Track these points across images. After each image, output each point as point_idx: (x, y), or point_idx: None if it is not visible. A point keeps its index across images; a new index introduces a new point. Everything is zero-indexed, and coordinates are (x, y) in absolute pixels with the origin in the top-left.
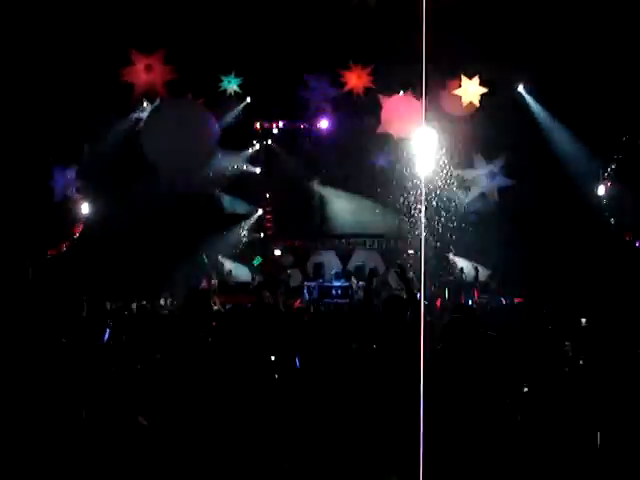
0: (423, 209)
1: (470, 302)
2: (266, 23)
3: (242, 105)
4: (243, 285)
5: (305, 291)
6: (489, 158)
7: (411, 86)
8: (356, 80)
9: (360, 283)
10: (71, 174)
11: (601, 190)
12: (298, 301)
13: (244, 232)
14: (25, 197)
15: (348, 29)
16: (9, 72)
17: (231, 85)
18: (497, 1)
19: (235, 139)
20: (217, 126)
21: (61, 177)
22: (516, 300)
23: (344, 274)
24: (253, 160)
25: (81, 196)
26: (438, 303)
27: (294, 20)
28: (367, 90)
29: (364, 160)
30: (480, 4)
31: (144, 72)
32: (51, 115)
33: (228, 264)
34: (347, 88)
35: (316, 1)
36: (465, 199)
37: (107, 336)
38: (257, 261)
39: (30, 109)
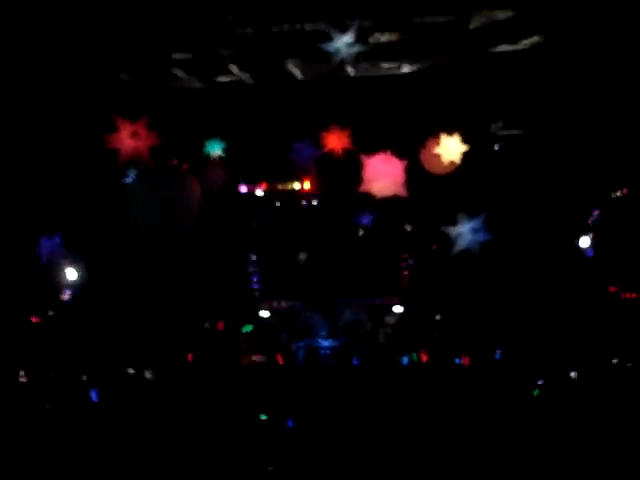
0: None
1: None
2: (248, 88)
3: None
4: None
5: (297, 352)
6: (471, 215)
7: (391, 146)
8: (336, 141)
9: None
10: (57, 241)
11: (584, 242)
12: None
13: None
14: (11, 263)
15: (328, 92)
16: None
17: (215, 150)
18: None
19: (220, 203)
20: (199, 190)
21: (47, 244)
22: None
23: (333, 333)
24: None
25: (67, 262)
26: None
27: (275, 86)
28: (348, 152)
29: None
30: (460, 65)
31: (129, 138)
32: (37, 182)
33: None
34: (327, 149)
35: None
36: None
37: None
38: (247, 329)
39: (16, 176)
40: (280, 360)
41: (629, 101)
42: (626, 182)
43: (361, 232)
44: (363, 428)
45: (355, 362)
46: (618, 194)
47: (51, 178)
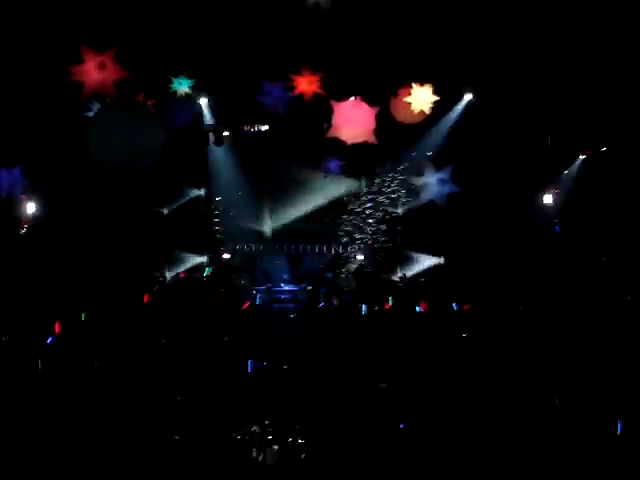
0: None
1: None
2: (220, 25)
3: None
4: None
5: (257, 295)
6: (438, 166)
7: (362, 92)
8: (307, 85)
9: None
10: (16, 174)
11: (547, 198)
12: (247, 304)
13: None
14: None
15: (301, 34)
16: None
17: (182, 87)
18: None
19: (186, 142)
20: (164, 128)
21: (6, 177)
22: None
23: (294, 279)
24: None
25: (26, 195)
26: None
27: (248, 22)
28: (318, 96)
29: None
30: (433, 11)
31: (95, 70)
32: None
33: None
34: (297, 92)
35: (271, 5)
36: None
37: None
38: (207, 272)
39: None
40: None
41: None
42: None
43: (325, 177)
44: (323, 374)
45: (321, 305)
46: (583, 156)
47: (12, 109)
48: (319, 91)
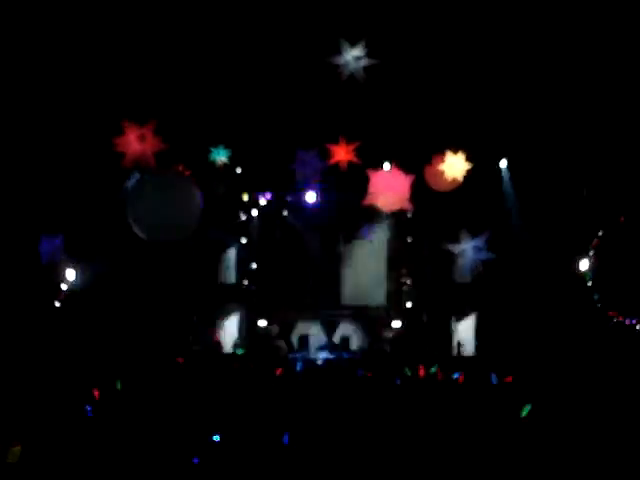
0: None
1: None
2: (257, 96)
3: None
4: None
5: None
6: (473, 233)
7: (397, 161)
8: (343, 154)
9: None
10: (57, 242)
11: (583, 265)
12: (280, 370)
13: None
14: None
15: (337, 104)
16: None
17: (220, 157)
18: (484, 81)
19: (222, 210)
20: (201, 197)
21: (47, 244)
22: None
23: (330, 346)
24: (240, 231)
25: (67, 262)
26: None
27: (284, 93)
28: (353, 165)
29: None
30: (466, 83)
31: (136, 142)
32: (40, 182)
33: None
34: (333, 161)
35: (306, 77)
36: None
37: None
38: (240, 352)
39: (20, 175)
40: (278, 371)
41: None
42: (626, 207)
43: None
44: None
45: (359, 373)
46: (619, 220)
47: (55, 178)
48: (355, 160)
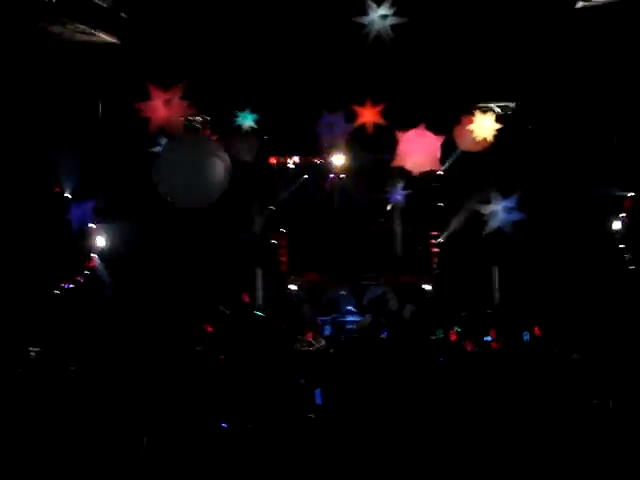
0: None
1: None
2: (282, 59)
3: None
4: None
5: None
6: (504, 194)
7: (426, 122)
8: (369, 116)
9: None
10: (87, 207)
11: (616, 225)
12: (310, 334)
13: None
14: (43, 229)
15: (363, 65)
16: (29, 113)
17: (247, 121)
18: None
19: (250, 175)
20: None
21: (77, 210)
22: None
23: (359, 309)
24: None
25: (97, 229)
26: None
27: (309, 56)
28: (380, 126)
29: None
30: (496, 41)
31: (162, 107)
32: (67, 151)
33: None
34: (358, 123)
35: (332, 39)
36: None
37: None
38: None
39: (47, 146)
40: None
41: None
42: None
43: (389, 207)
44: (390, 405)
45: (384, 334)
46: None
47: (81, 145)
48: (381, 121)
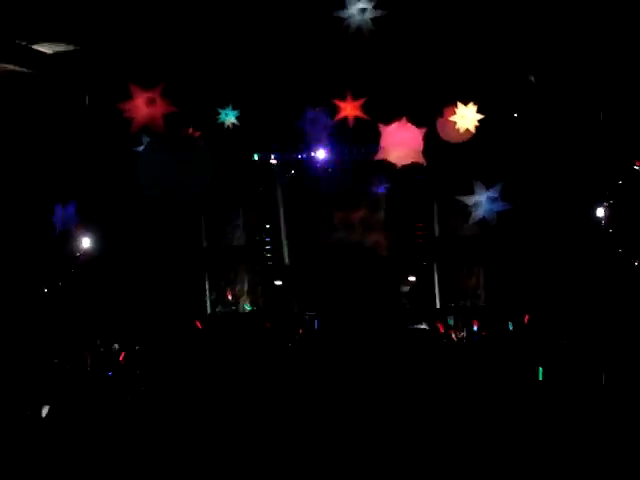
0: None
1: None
2: (262, 54)
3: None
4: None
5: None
6: (488, 184)
7: (408, 114)
8: (350, 110)
9: None
10: (70, 210)
11: (600, 212)
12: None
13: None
14: (26, 232)
15: (344, 59)
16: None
17: (229, 118)
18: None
19: (233, 171)
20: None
21: (61, 213)
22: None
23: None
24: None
25: (81, 231)
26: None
27: (290, 51)
28: (364, 121)
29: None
30: (476, 31)
31: (144, 106)
32: (50, 153)
33: None
34: (339, 117)
35: (312, 33)
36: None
37: None
38: (248, 307)
39: (29, 148)
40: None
41: None
42: None
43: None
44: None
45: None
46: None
47: (64, 146)
48: (362, 115)
